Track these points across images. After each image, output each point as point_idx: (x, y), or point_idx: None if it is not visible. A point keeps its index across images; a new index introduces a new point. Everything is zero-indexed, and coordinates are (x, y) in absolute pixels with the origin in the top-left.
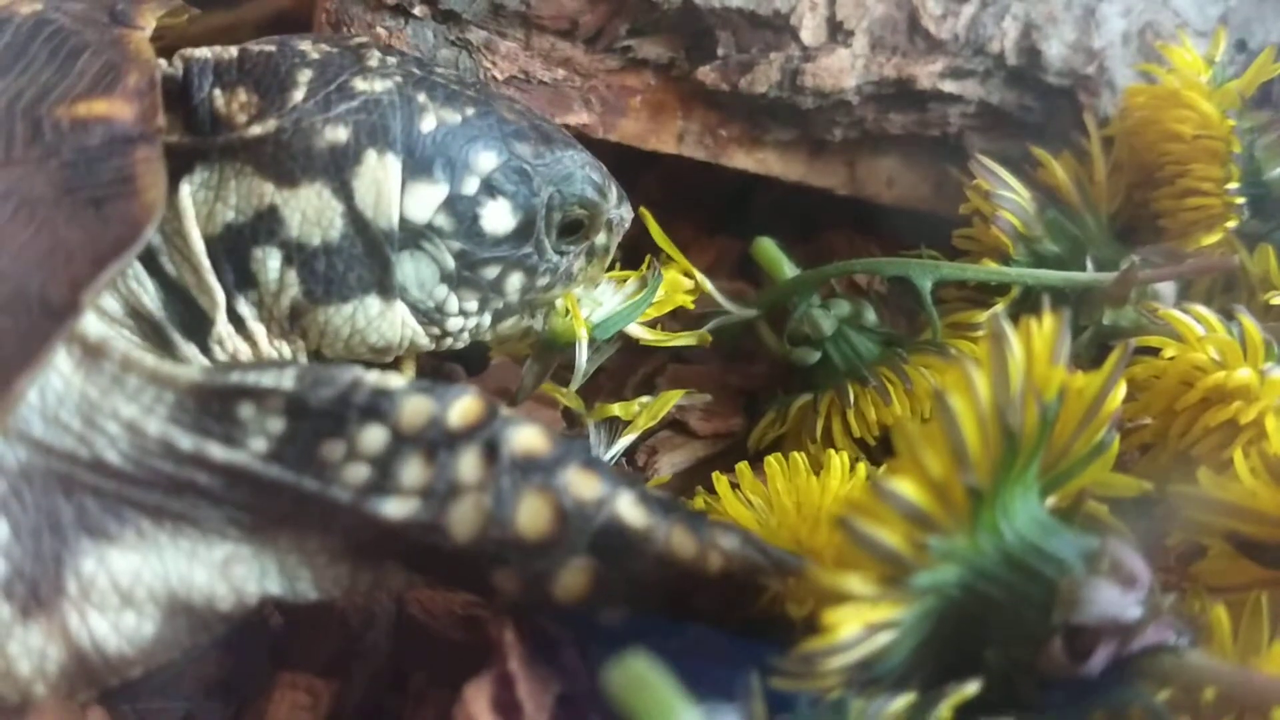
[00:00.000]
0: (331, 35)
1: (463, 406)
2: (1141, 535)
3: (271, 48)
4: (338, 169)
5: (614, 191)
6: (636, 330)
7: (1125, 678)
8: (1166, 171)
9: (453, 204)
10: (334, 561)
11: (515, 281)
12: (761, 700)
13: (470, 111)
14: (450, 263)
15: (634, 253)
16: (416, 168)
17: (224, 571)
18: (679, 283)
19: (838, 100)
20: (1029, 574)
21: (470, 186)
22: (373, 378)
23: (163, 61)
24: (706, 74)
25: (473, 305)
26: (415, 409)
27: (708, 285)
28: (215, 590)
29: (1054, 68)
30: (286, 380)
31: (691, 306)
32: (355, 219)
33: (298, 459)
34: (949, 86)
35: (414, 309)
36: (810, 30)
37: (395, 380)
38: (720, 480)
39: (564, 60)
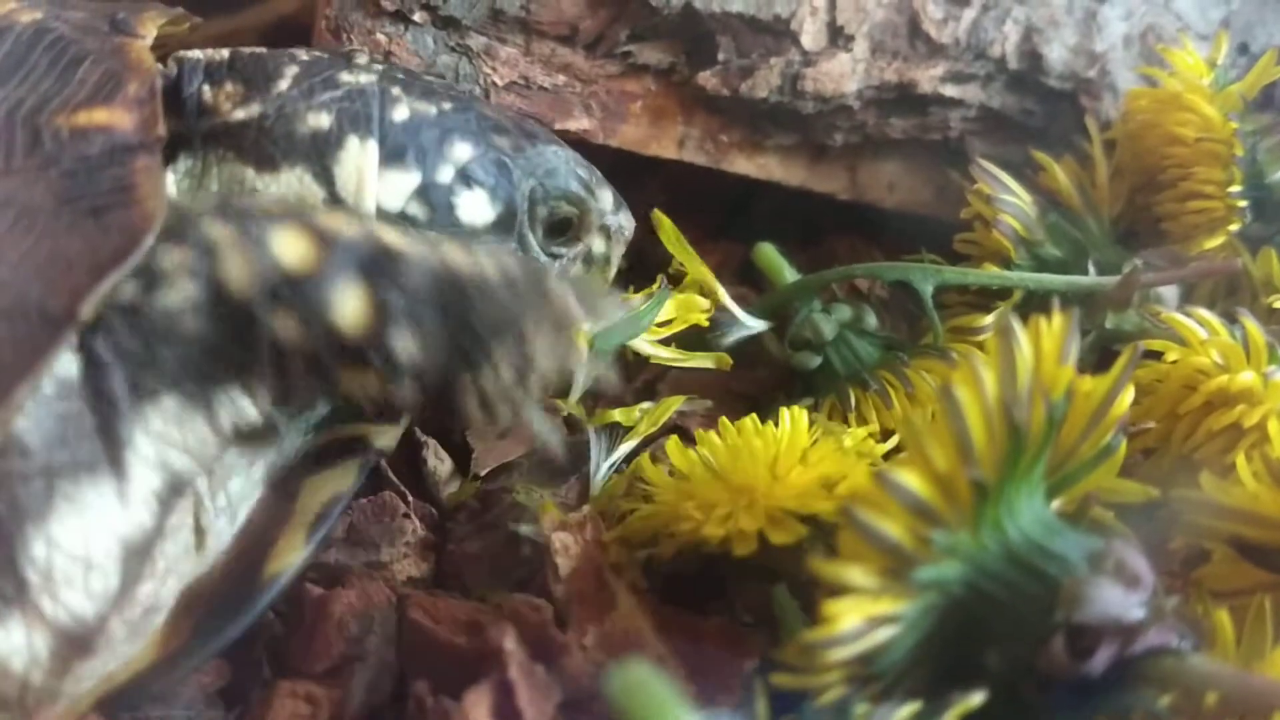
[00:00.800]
0: (323, 45)
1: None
2: (1144, 538)
3: (263, 50)
4: (319, 154)
5: (607, 195)
6: (649, 349)
7: (1127, 680)
8: (1169, 175)
9: (426, 192)
10: (184, 424)
11: None
12: (765, 704)
13: (446, 106)
14: None
15: (642, 261)
16: (388, 155)
17: (145, 499)
18: (694, 303)
19: (839, 105)
20: (1032, 571)
21: (445, 175)
22: None
23: (159, 66)
24: (707, 79)
25: None
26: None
27: (724, 296)
28: (143, 520)
29: (1055, 71)
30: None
31: (706, 324)
32: (336, 205)
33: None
34: (950, 91)
35: None
36: (811, 35)
37: None
38: (673, 441)
39: (564, 66)
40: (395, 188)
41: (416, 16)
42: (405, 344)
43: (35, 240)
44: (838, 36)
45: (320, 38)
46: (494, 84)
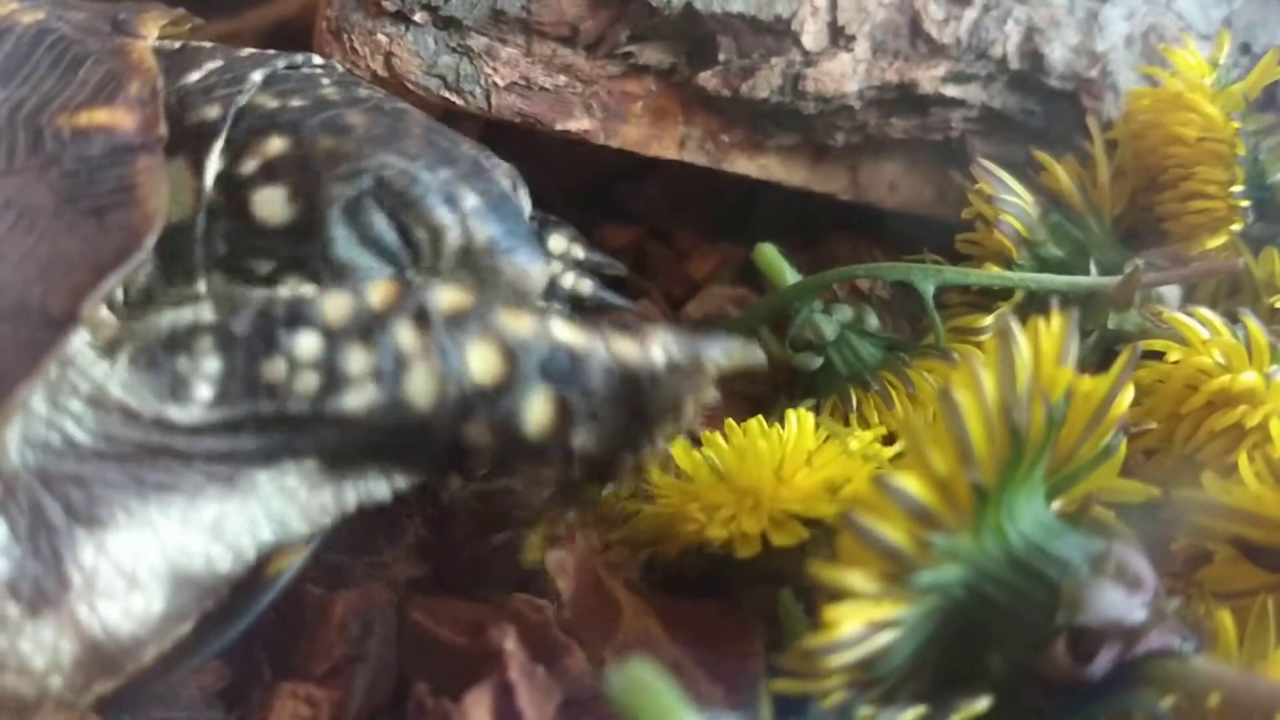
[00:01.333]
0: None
1: (379, 289)
2: (1146, 540)
3: (213, 45)
4: (196, 147)
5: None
6: None
7: (1129, 682)
8: (1170, 175)
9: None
10: (315, 489)
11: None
12: (769, 706)
13: (295, 103)
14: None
15: (643, 265)
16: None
17: (216, 532)
18: None
19: (840, 105)
20: (1033, 575)
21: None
22: (285, 291)
23: None
24: (708, 79)
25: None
26: (337, 304)
27: None
28: (212, 552)
29: (1056, 71)
30: (205, 313)
31: None
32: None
33: (245, 389)
34: (951, 91)
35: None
36: (812, 35)
37: (305, 288)
38: (677, 444)
39: (565, 66)
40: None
41: (417, 17)
42: (583, 439)
43: (36, 240)
44: (839, 36)
45: (320, 39)
46: (495, 84)
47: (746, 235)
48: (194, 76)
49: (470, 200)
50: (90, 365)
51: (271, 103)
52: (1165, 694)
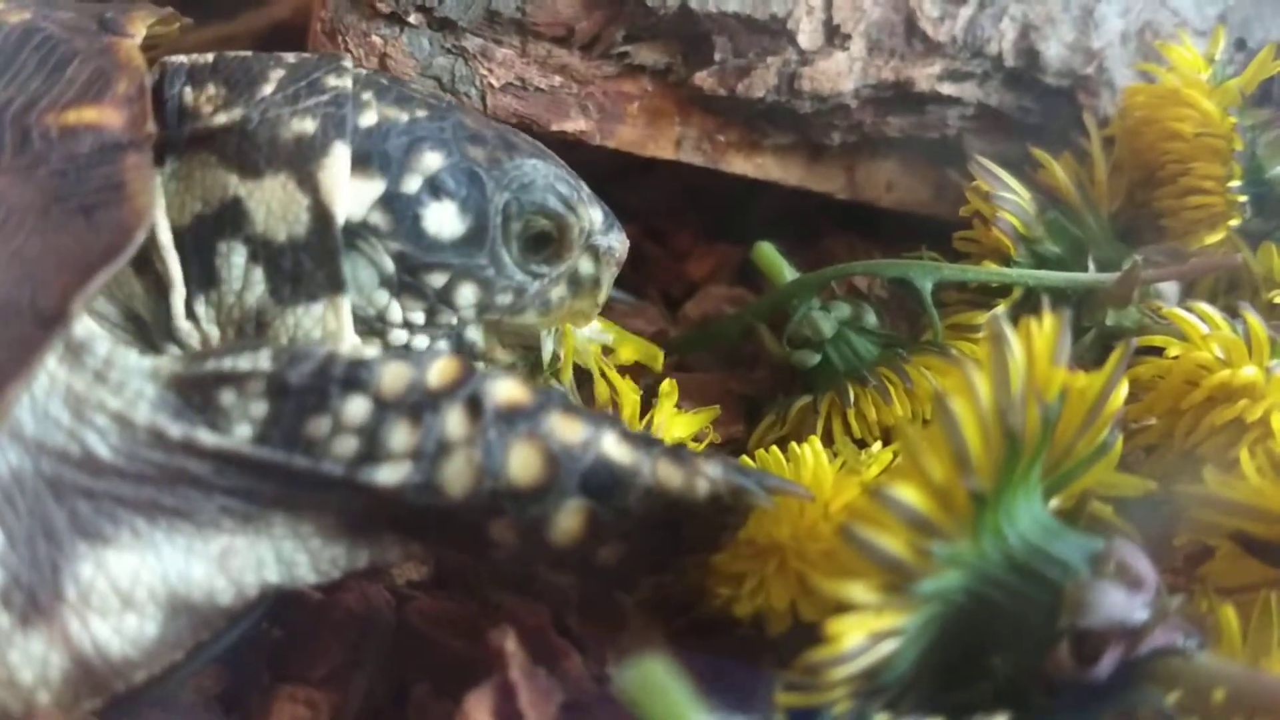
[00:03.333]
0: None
1: (440, 367)
2: (1147, 536)
3: (248, 54)
4: (303, 160)
5: (595, 214)
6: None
7: (1134, 681)
8: (1168, 171)
9: (390, 201)
10: (330, 542)
11: (468, 294)
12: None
13: (420, 114)
14: (389, 266)
15: (640, 267)
16: (355, 161)
17: (222, 564)
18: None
19: (836, 104)
20: (1034, 578)
21: (411, 185)
22: (347, 349)
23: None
24: (704, 79)
25: (418, 316)
26: (395, 375)
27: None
28: (214, 584)
29: (1052, 68)
30: (263, 361)
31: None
32: (321, 214)
33: (285, 439)
34: (947, 89)
35: (355, 316)
36: (807, 34)
37: (370, 350)
38: None
39: (561, 67)
40: (358, 195)
41: (412, 18)
42: (608, 556)
43: (25, 239)
44: (834, 35)
45: (315, 41)
46: (490, 85)
47: (744, 235)
48: (267, 89)
49: (581, 191)
50: (124, 382)
51: (397, 114)
52: (1170, 691)
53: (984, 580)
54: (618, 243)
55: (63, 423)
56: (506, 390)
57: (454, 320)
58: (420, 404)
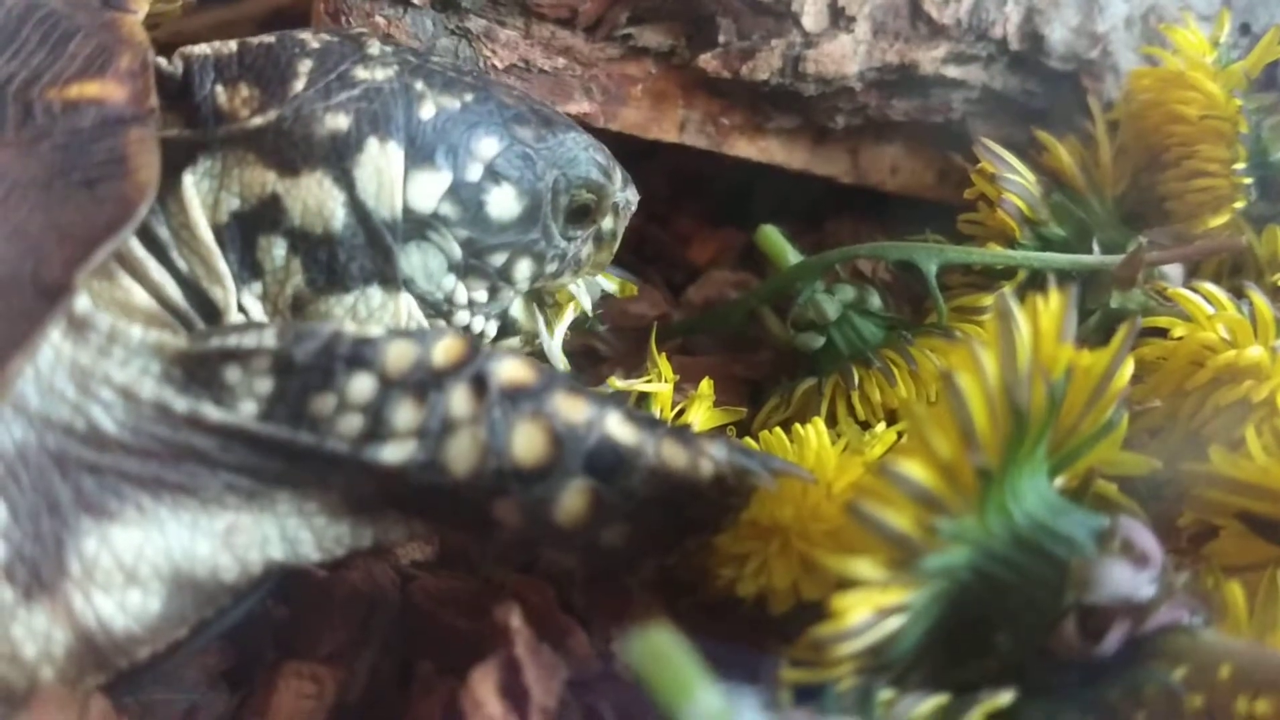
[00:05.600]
0: (331, 27)
1: (445, 346)
2: (1153, 515)
3: (271, 40)
4: (339, 157)
5: (618, 174)
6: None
7: (1139, 658)
8: (1172, 153)
9: (457, 192)
10: (334, 520)
11: (524, 269)
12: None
13: (469, 97)
14: (457, 252)
15: (643, 248)
16: (418, 156)
17: (226, 541)
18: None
19: (840, 87)
20: (1040, 554)
21: (474, 173)
22: (352, 327)
23: (162, 60)
24: (708, 61)
25: (481, 295)
26: (400, 353)
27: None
28: (219, 561)
29: (1057, 52)
30: (268, 339)
31: None
32: (357, 208)
33: (290, 416)
34: (952, 72)
35: (422, 301)
36: (812, 16)
37: (375, 328)
38: None
39: (564, 49)
40: (426, 190)
41: None
42: (612, 537)
43: (28, 213)
44: (839, 18)
45: (318, 22)
46: (494, 67)
47: (747, 220)
48: (298, 85)
49: (609, 157)
50: (124, 362)
51: (450, 102)
52: (1175, 668)
53: (990, 556)
54: (633, 196)
55: (68, 396)
56: (511, 369)
57: (511, 295)
58: (425, 382)
